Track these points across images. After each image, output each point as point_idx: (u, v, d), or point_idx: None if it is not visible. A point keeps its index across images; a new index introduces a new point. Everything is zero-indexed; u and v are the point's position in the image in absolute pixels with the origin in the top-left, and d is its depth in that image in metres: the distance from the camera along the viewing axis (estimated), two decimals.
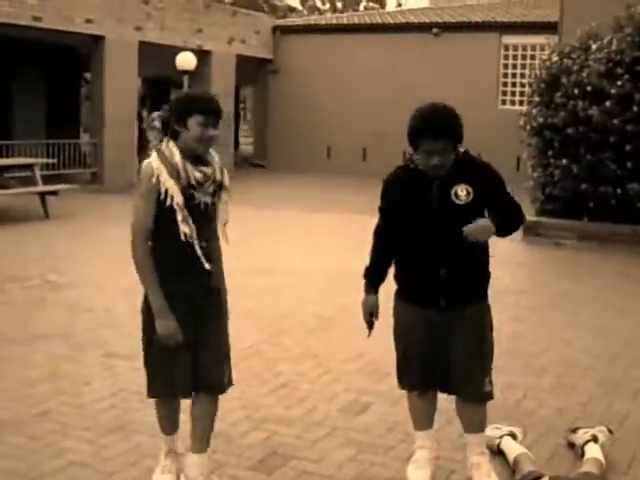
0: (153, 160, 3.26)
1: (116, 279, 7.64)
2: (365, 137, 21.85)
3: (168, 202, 3.20)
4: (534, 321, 6.66)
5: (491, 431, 3.88)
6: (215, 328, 3.38)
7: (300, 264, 9.09)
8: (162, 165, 3.22)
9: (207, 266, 3.26)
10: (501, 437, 3.90)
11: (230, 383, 3.45)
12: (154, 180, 3.20)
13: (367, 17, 24.11)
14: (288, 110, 22.97)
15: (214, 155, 3.38)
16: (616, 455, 3.90)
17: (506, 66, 20.95)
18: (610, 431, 4.00)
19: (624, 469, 3.80)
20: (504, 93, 20.85)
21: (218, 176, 3.34)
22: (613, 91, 10.67)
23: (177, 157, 3.23)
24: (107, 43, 17.10)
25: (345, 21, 23.80)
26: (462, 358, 3.44)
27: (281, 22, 25.33)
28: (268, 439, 4.03)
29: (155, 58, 18.94)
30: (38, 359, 5.31)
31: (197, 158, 3.28)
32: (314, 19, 27.11)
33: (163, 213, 3.22)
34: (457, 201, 3.34)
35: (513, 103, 20.44)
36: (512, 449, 3.80)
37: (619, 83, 10.66)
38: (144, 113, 20.34)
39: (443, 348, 3.46)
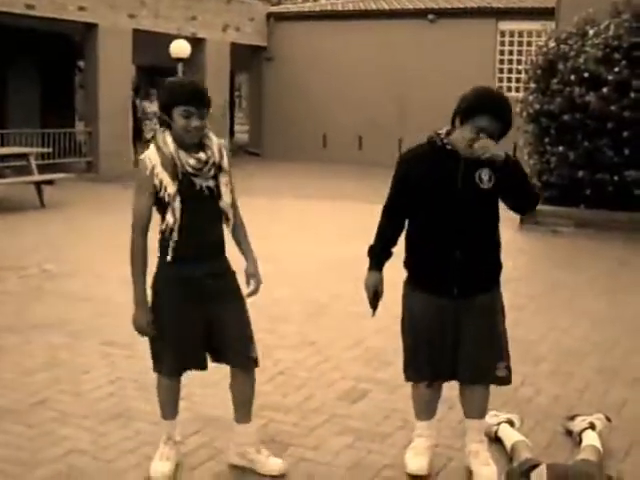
0: (150, 152, 3.31)
1: (112, 268, 7.60)
2: (361, 126, 21.79)
3: (161, 193, 3.26)
4: (532, 309, 6.67)
5: (489, 418, 3.88)
6: (230, 309, 3.43)
7: (296, 251, 9.08)
8: (157, 156, 3.27)
9: (169, 258, 3.31)
10: (499, 424, 3.91)
11: (256, 361, 3.52)
12: (148, 172, 3.26)
13: (362, 3, 23.96)
14: (283, 98, 22.90)
15: (212, 138, 3.39)
16: (614, 442, 3.90)
17: (502, 52, 20.89)
18: (608, 419, 4.00)
19: (622, 456, 3.81)
20: (500, 80, 20.80)
21: (217, 159, 3.34)
22: (610, 77, 10.63)
23: (171, 147, 3.27)
24: (100, 31, 16.99)
25: (340, 8, 23.66)
26: (474, 345, 3.43)
27: (275, 9, 25.19)
28: (266, 426, 4.03)
29: (149, 46, 18.85)
30: (35, 348, 5.30)
31: (195, 144, 3.30)
32: (308, 6, 26.96)
33: (161, 202, 3.30)
34: (480, 184, 3.34)
35: (509, 90, 20.38)
36: (510, 436, 3.80)
37: (616, 69, 10.61)
38: (138, 102, 20.24)
39: (453, 336, 3.44)
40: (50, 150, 15.79)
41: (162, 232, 3.34)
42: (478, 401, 3.58)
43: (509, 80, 20.70)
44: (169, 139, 3.28)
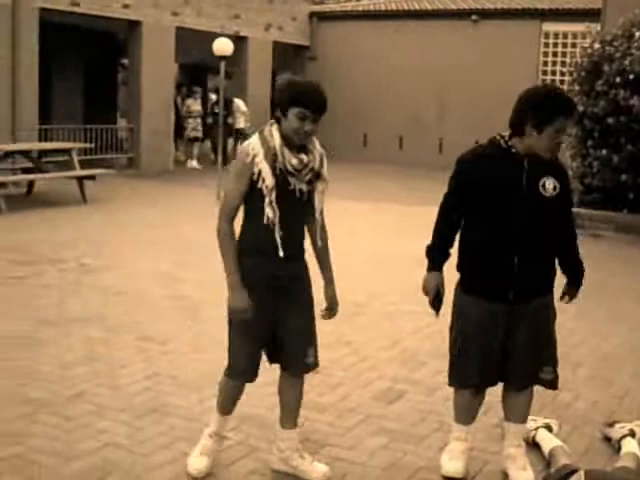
0: (253, 141, 3.29)
1: (151, 263, 7.66)
2: (402, 125, 21.69)
3: (259, 184, 3.23)
4: (572, 313, 6.54)
5: (527, 423, 3.84)
6: (298, 312, 3.44)
7: (335, 250, 9.04)
8: (261, 147, 3.25)
9: (281, 253, 3.28)
10: (536, 429, 3.86)
11: (316, 364, 3.53)
12: (249, 160, 3.24)
13: (405, 3, 23.90)
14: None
15: (316, 143, 3.38)
16: None
17: (546, 54, 20.67)
18: None
19: None
20: (544, 81, 20.54)
21: (317, 165, 3.33)
22: None
23: (276, 141, 3.25)
24: (144, 28, 17.14)
25: (382, 8, 23.63)
26: (525, 349, 3.39)
27: (318, 8, 25.17)
28: (302, 425, 4.02)
29: (192, 44, 18.96)
30: (74, 342, 5.35)
31: (298, 145, 3.28)
32: (351, 5, 26.93)
33: (255, 194, 3.25)
34: (544, 193, 3.30)
35: None
36: (548, 441, 3.76)
37: None
38: (179, 100, 20.38)
39: (503, 340, 3.40)
40: (92, 146, 15.95)
41: (258, 226, 3.26)
42: (521, 406, 3.54)
43: (553, 82, 20.46)
44: (276, 134, 3.26)
